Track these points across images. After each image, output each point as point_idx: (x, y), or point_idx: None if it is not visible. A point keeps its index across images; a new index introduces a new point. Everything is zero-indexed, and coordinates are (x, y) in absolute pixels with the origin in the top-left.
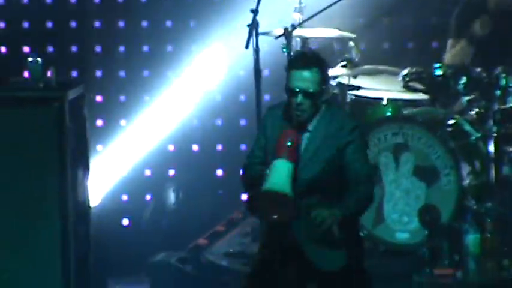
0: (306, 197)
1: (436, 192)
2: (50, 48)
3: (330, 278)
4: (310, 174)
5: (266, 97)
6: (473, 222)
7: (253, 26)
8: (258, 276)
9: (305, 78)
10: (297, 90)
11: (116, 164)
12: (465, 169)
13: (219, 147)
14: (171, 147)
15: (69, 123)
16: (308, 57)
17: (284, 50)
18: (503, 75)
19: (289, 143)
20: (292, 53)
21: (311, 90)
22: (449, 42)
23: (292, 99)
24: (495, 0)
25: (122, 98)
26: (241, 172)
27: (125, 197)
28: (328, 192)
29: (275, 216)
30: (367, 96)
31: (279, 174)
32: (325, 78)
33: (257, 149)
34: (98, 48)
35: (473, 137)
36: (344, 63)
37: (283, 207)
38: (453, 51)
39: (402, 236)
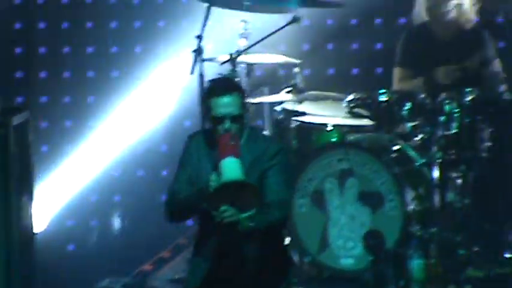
0: (231, 228)
1: (381, 217)
2: None
3: None
4: None
5: None
6: (418, 247)
7: (198, 51)
8: None
9: (228, 103)
10: (223, 116)
11: (61, 189)
12: (410, 195)
13: (164, 172)
14: (116, 173)
15: (14, 149)
16: (227, 83)
17: (229, 76)
18: (447, 101)
19: (232, 142)
20: (206, 82)
21: (237, 113)
22: (396, 71)
23: (219, 126)
24: (439, 27)
25: (68, 123)
26: (165, 202)
27: (70, 223)
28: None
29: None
30: (312, 122)
31: (232, 169)
32: (244, 102)
33: (182, 181)
34: (43, 74)
35: (418, 163)
36: (289, 89)
37: (247, 195)
38: (399, 82)
39: (347, 262)
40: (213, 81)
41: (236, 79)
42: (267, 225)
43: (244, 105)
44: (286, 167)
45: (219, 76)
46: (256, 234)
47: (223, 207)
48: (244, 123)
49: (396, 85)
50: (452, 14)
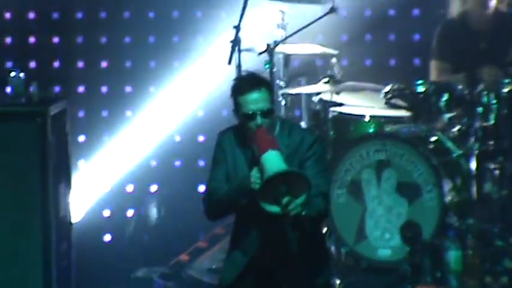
0: (273, 220)
1: (418, 208)
2: (33, 64)
3: None
4: None
5: None
6: (455, 239)
7: (236, 42)
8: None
9: (258, 99)
10: (254, 112)
11: (97, 179)
12: (447, 186)
13: (201, 162)
14: (153, 163)
15: (52, 139)
16: (253, 79)
17: (267, 66)
18: (485, 92)
19: (269, 136)
20: (236, 79)
21: (267, 108)
22: (433, 64)
23: (250, 123)
24: (478, 17)
25: (105, 113)
26: (204, 200)
27: (106, 213)
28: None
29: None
30: (349, 113)
31: (275, 161)
32: (273, 95)
33: (219, 179)
34: (80, 64)
35: (455, 154)
36: (326, 79)
37: (295, 184)
38: (437, 74)
39: (384, 253)
40: (239, 78)
41: (263, 73)
42: (315, 214)
43: (273, 99)
44: (323, 157)
45: (244, 73)
46: (297, 226)
47: (285, 200)
48: (275, 117)
49: (434, 77)
50: (492, 3)
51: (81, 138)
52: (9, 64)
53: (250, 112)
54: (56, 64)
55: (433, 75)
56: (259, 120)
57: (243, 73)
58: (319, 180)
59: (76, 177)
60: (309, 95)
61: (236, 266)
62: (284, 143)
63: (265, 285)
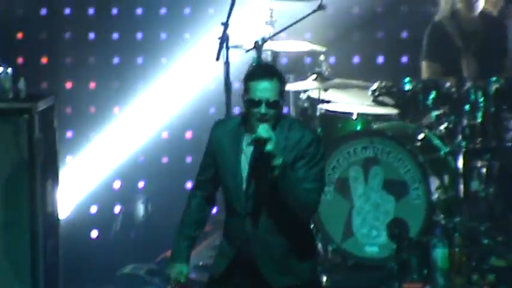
0: (262, 212)
1: (405, 206)
2: (20, 59)
3: None
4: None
5: (236, 110)
6: (442, 236)
7: (224, 38)
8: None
9: (267, 88)
10: (260, 100)
11: (85, 175)
12: (434, 183)
13: (189, 159)
14: (141, 159)
15: (39, 135)
16: (268, 68)
17: (255, 63)
18: (473, 90)
19: None
20: (252, 65)
21: (274, 100)
22: (424, 64)
23: (254, 109)
24: (466, 17)
25: (92, 109)
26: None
27: (94, 209)
28: (282, 208)
29: None
30: (337, 110)
31: None
32: (283, 89)
33: (203, 169)
34: (68, 60)
35: (442, 152)
36: (314, 76)
37: None
38: (428, 75)
39: (371, 250)
40: (254, 65)
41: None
42: (304, 204)
43: (282, 93)
44: (320, 156)
45: (260, 61)
46: (284, 221)
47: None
48: (280, 111)
49: (425, 77)
50: (479, 5)
51: (69, 134)
52: None
53: (257, 99)
54: (44, 60)
55: (425, 76)
56: (263, 109)
57: (263, 62)
58: (312, 178)
59: (64, 173)
60: (297, 92)
61: (225, 258)
62: (282, 136)
63: (252, 278)
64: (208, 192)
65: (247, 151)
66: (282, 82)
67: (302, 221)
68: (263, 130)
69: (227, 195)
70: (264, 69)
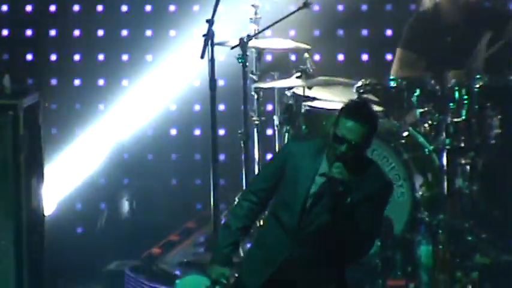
0: (310, 246)
1: (389, 203)
2: (5, 56)
3: None
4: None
5: (221, 107)
6: (426, 234)
7: (209, 36)
8: None
9: (355, 130)
10: (344, 138)
11: (70, 172)
12: (418, 181)
13: (174, 156)
14: (126, 156)
15: (24, 131)
16: (365, 111)
17: (240, 60)
18: (457, 88)
19: None
20: (354, 101)
21: (356, 143)
22: (399, 52)
23: (336, 144)
24: (447, 12)
25: (77, 106)
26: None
27: (79, 206)
28: (331, 247)
29: None
30: (321, 108)
31: None
32: (372, 136)
33: (263, 179)
34: (53, 56)
35: (427, 149)
36: (299, 74)
37: None
38: (401, 64)
39: None
40: (357, 102)
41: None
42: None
43: (368, 139)
44: (383, 204)
45: (365, 100)
46: (329, 254)
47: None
48: (362, 156)
49: (396, 66)
50: None
51: (54, 131)
52: None
53: (340, 136)
54: (29, 57)
55: (396, 65)
56: (344, 148)
57: (364, 100)
58: (371, 220)
59: (48, 170)
60: (282, 89)
61: (260, 273)
62: (358, 179)
63: None
64: (262, 201)
65: (319, 178)
66: (373, 129)
67: (348, 260)
68: (337, 171)
69: (280, 208)
70: (360, 111)
